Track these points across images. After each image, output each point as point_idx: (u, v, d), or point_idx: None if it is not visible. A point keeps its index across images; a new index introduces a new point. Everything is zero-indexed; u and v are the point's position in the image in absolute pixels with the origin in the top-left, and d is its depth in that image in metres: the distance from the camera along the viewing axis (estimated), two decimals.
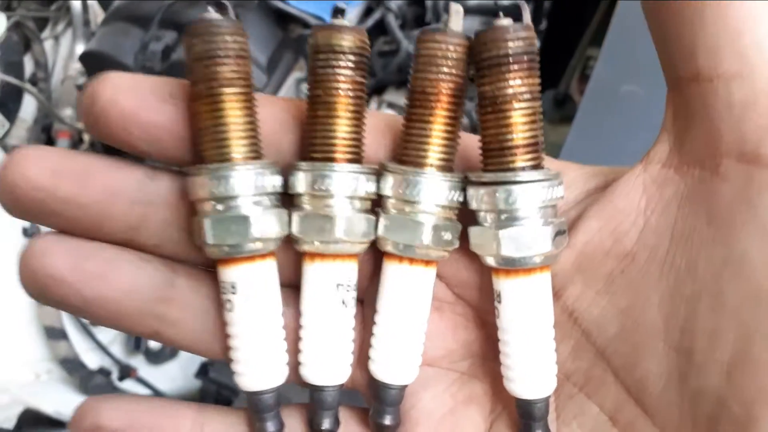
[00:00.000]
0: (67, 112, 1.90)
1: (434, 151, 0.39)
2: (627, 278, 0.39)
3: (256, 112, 0.39)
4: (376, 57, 1.67)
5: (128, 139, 0.39)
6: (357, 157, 0.40)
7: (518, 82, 0.37)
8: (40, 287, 0.39)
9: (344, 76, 0.39)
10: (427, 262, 0.41)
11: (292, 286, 0.43)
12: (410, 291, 0.41)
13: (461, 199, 0.40)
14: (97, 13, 1.88)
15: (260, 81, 1.59)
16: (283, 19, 1.61)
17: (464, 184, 0.40)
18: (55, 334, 1.46)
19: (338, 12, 0.39)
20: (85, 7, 1.80)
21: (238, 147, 0.38)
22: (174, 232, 0.41)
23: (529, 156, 0.38)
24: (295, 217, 0.40)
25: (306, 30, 1.57)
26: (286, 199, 0.41)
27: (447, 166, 0.40)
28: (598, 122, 1.43)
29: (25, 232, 1.53)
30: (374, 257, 0.43)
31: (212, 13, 0.37)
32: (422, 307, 0.41)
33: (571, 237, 0.40)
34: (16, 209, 0.39)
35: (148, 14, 1.58)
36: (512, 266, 0.39)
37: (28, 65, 1.89)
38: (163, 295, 0.41)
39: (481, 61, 0.38)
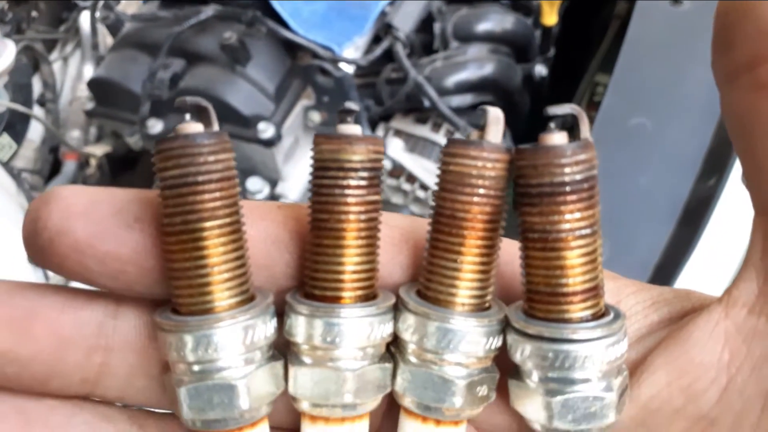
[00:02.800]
0: (75, 134, 1.81)
1: (467, 288, 0.30)
2: None
3: (245, 241, 0.30)
4: (383, 85, 1.58)
5: (84, 273, 0.29)
6: (369, 293, 0.31)
7: (577, 215, 0.28)
8: None
9: (356, 197, 0.29)
10: (457, 422, 0.31)
11: (281, 429, 0.34)
12: None
13: (500, 344, 0.31)
14: (106, 35, 1.79)
15: (268, 110, 1.50)
16: (292, 48, 1.52)
17: (504, 326, 0.31)
18: None
19: (347, 114, 0.30)
20: (94, 30, 1.71)
21: (221, 294, 0.29)
22: (140, 380, 0.32)
23: (588, 303, 0.29)
24: (293, 372, 0.30)
25: (315, 60, 1.47)
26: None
27: (482, 305, 0.31)
28: (606, 154, 1.34)
29: (30, 260, 1.44)
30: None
31: (189, 124, 0.28)
32: None
33: (634, 388, 0.31)
34: None
35: (157, 42, 1.48)
36: None
37: (37, 86, 1.80)
38: None
39: (527, 187, 0.28)
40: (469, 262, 0.30)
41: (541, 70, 1.61)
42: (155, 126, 1.54)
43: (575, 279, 0.28)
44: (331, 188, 0.29)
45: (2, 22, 1.42)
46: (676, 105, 1.28)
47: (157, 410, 0.33)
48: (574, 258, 0.28)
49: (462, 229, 0.29)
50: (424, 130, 1.62)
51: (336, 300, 0.30)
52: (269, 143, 1.51)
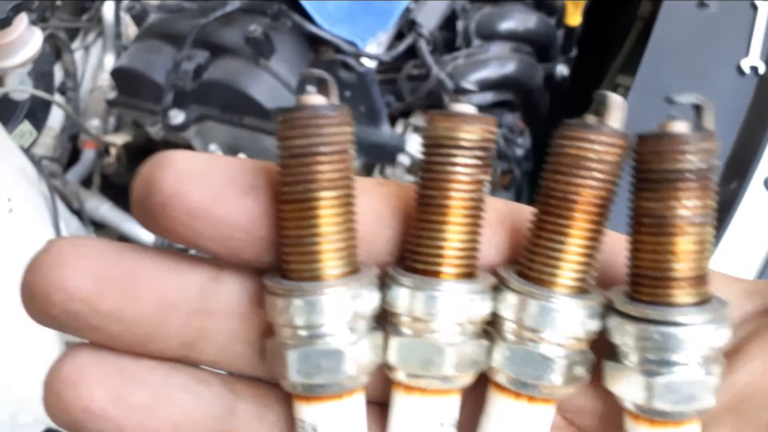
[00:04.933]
0: (94, 123, 1.81)
1: (570, 270, 0.30)
2: None
3: (355, 213, 0.30)
4: (404, 81, 1.59)
5: (194, 238, 0.30)
6: (471, 271, 0.31)
7: (696, 203, 0.28)
8: (73, 422, 0.30)
9: (468, 176, 0.30)
10: (549, 400, 0.32)
11: (371, 403, 0.34)
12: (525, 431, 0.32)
13: (600, 327, 0.31)
14: (128, 24, 1.80)
15: (290, 103, 1.50)
16: (314, 42, 1.52)
17: (604, 310, 0.31)
18: None
19: (460, 93, 0.30)
20: (117, 20, 1.71)
21: (332, 262, 0.29)
22: (239, 346, 0.32)
23: (696, 290, 0.29)
24: (394, 342, 0.31)
25: (337, 54, 1.48)
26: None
27: (583, 288, 0.31)
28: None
29: None
30: None
31: (313, 95, 0.28)
32: None
33: (728, 375, 0.31)
34: (47, 321, 0.30)
35: (181, 33, 1.49)
36: (661, 418, 0.30)
37: (58, 74, 1.80)
38: (222, 428, 0.32)
39: (648, 172, 0.29)
40: (576, 244, 0.30)
41: (562, 70, 1.62)
42: (177, 117, 1.55)
43: (687, 265, 0.29)
44: (444, 165, 0.30)
45: (29, 10, 1.41)
46: None
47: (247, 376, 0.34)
48: (687, 244, 0.29)
49: (573, 211, 0.30)
50: None
51: (438, 275, 0.30)
52: None
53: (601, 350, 0.32)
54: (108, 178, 1.79)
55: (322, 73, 0.29)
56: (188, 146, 1.63)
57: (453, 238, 0.30)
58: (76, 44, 1.85)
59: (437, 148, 0.30)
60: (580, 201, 0.29)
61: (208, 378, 0.32)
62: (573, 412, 0.35)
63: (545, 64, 1.62)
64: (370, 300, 0.30)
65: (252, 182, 0.30)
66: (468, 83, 1.55)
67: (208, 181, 0.29)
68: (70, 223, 1.59)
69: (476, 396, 0.34)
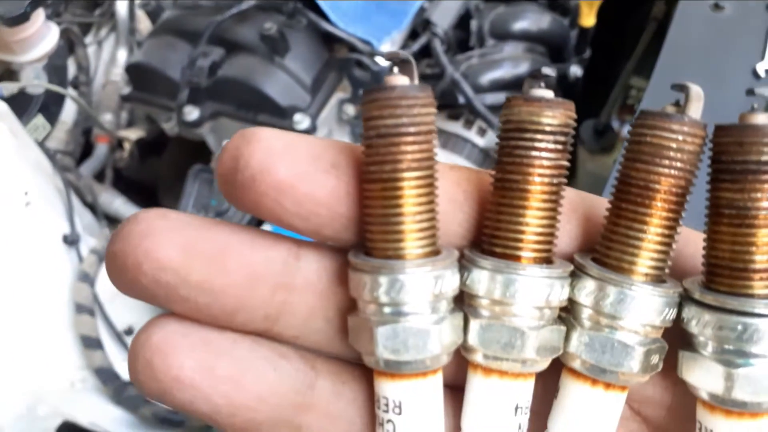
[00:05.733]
0: (107, 117, 1.81)
1: (649, 258, 0.30)
2: None
3: (436, 194, 0.30)
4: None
5: (279, 213, 0.30)
6: (549, 256, 0.31)
7: None
8: (162, 390, 0.30)
9: (549, 161, 0.30)
10: (624, 387, 0.31)
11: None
12: (599, 418, 0.31)
13: (674, 316, 0.31)
14: (141, 20, 1.79)
15: (304, 101, 1.50)
16: (329, 40, 1.52)
17: (680, 299, 0.31)
18: (91, 343, 1.37)
19: (539, 77, 0.30)
20: (132, 15, 1.71)
21: (416, 242, 0.29)
22: (318, 321, 0.32)
23: None
24: (474, 325, 0.30)
25: (352, 53, 1.47)
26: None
27: (660, 276, 0.31)
28: None
29: (66, 239, 1.44)
30: None
31: (399, 76, 0.28)
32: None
33: None
34: (134, 290, 0.30)
35: (197, 29, 1.48)
36: (738, 409, 0.30)
37: (71, 68, 1.80)
38: (302, 401, 0.32)
39: (731, 164, 0.29)
40: (655, 233, 0.30)
41: (576, 70, 1.62)
42: (192, 113, 1.54)
43: (766, 256, 0.29)
44: (526, 150, 0.29)
45: (45, 5, 1.41)
46: (715, 111, 1.28)
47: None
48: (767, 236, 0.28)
49: (654, 200, 0.29)
50: (456, 127, 1.62)
51: (516, 259, 0.30)
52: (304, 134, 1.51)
53: (669, 340, 0.32)
54: (120, 172, 1.78)
55: (406, 55, 0.29)
56: (202, 142, 1.62)
57: (533, 222, 0.30)
58: (88, 39, 1.84)
59: (519, 132, 0.30)
60: (660, 190, 0.29)
61: (289, 353, 0.32)
62: (640, 401, 0.35)
63: (559, 64, 1.62)
64: (452, 281, 0.30)
65: (334, 161, 0.30)
66: (482, 82, 1.55)
67: (294, 158, 0.29)
68: (84, 217, 1.59)
69: (544, 381, 0.34)
